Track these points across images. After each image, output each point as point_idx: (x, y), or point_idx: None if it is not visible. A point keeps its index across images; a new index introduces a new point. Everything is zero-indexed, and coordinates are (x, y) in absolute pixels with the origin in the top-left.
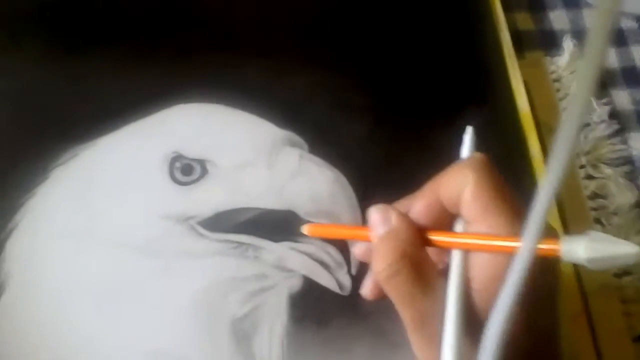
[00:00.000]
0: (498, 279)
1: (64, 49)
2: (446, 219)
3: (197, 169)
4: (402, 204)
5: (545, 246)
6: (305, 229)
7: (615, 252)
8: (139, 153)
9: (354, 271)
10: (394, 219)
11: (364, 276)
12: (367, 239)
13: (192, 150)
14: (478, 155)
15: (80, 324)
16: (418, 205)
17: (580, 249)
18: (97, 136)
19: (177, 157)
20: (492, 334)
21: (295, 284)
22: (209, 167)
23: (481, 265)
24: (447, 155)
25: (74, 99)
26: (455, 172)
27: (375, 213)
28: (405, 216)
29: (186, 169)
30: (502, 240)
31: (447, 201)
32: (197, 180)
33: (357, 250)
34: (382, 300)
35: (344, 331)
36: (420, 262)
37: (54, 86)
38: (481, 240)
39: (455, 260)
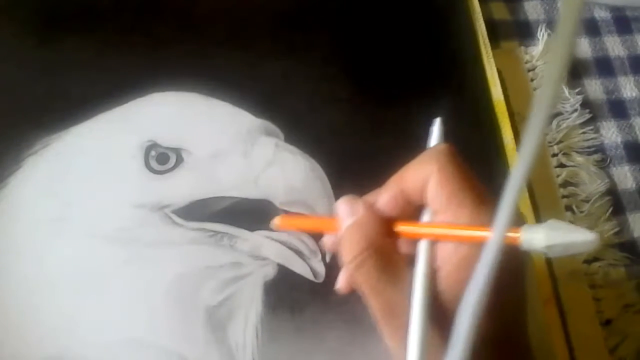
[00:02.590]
0: (463, 268)
1: (37, 39)
2: (413, 210)
3: (173, 158)
4: (370, 196)
5: (506, 234)
6: (274, 222)
7: (572, 240)
8: (113, 141)
9: (328, 259)
10: (360, 209)
11: (338, 263)
12: (336, 231)
13: (167, 139)
14: (443, 145)
15: (54, 312)
16: (384, 197)
17: (539, 237)
18: (71, 125)
19: (152, 146)
20: (462, 325)
21: (270, 272)
22: (184, 155)
23: (446, 255)
24: (423, 144)
25: (47, 88)
26: (420, 163)
27: (342, 204)
28: (371, 207)
29: (161, 158)
30: (466, 230)
31: (413, 192)
32: (173, 169)
33: (327, 242)
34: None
35: (317, 318)
36: (388, 252)
37: (26, 76)
38: (445, 230)
39: (422, 250)
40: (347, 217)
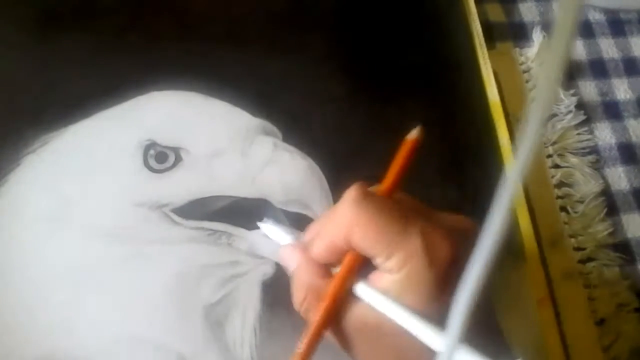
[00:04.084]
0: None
1: (36, 37)
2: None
3: (171, 157)
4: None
5: None
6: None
7: None
8: (112, 140)
9: None
10: (295, 260)
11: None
12: None
13: (166, 138)
14: (351, 191)
15: (53, 310)
16: (315, 249)
17: None
18: (69, 123)
19: (151, 145)
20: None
21: (268, 270)
22: (183, 155)
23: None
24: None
25: (46, 86)
26: (335, 218)
27: (282, 255)
28: (306, 254)
29: (160, 157)
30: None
31: (339, 244)
32: (171, 167)
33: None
34: None
35: None
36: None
37: (24, 74)
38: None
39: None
40: (290, 264)
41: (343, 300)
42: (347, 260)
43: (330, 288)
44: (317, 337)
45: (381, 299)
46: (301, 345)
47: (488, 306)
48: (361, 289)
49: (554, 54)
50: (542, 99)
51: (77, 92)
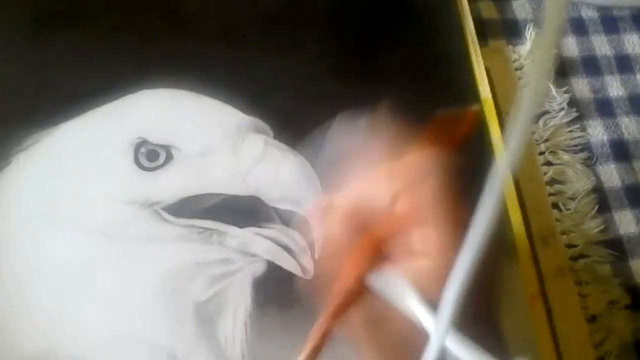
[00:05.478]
0: None
1: (28, 36)
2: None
3: (162, 155)
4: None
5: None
6: None
7: None
8: (103, 138)
9: (317, 255)
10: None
11: (327, 260)
12: None
13: (157, 136)
14: None
15: (44, 307)
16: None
17: None
18: (61, 121)
19: (142, 143)
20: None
21: (259, 268)
22: (174, 152)
23: None
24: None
25: (37, 84)
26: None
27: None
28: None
29: (151, 155)
30: None
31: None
32: (162, 165)
33: None
34: None
35: (306, 314)
36: None
37: (16, 72)
38: None
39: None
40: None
41: (356, 293)
42: (361, 248)
43: (344, 282)
44: (329, 330)
45: (392, 285)
46: (313, 336)
47: (483, 299)
48: (373, 277)
49: (543, 46)
50: (532, 88)
51: (69, 91)
